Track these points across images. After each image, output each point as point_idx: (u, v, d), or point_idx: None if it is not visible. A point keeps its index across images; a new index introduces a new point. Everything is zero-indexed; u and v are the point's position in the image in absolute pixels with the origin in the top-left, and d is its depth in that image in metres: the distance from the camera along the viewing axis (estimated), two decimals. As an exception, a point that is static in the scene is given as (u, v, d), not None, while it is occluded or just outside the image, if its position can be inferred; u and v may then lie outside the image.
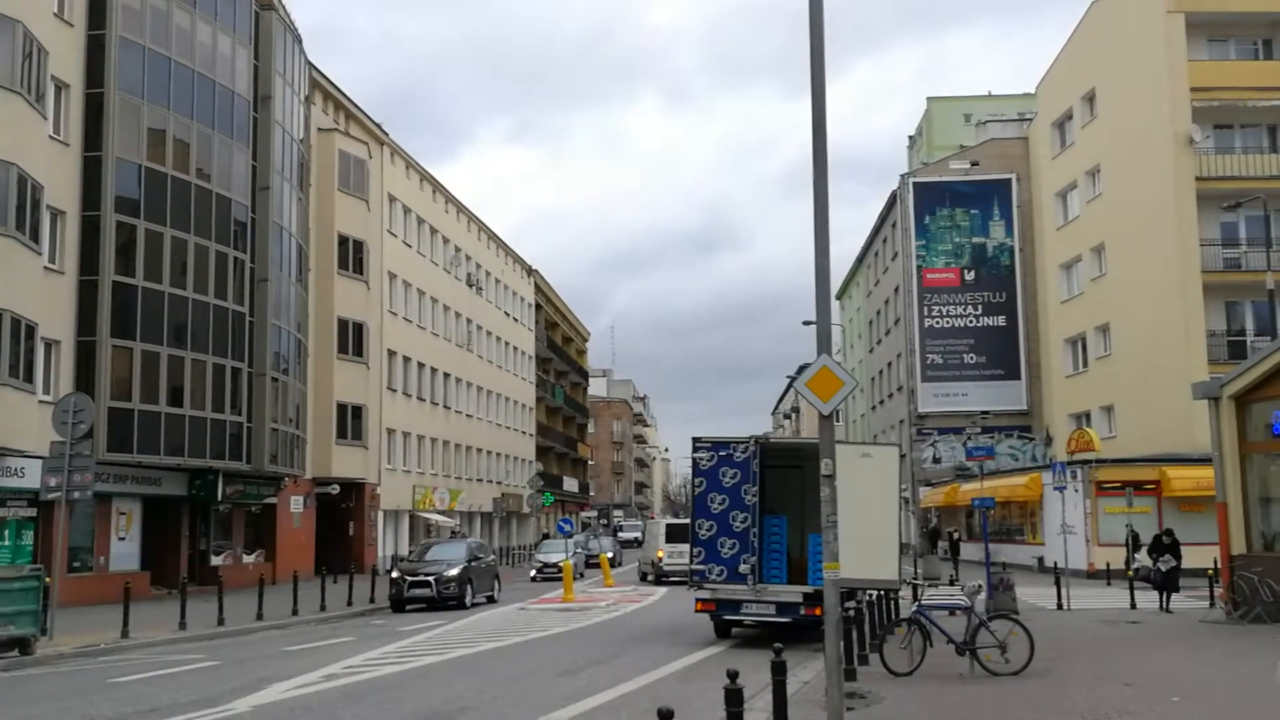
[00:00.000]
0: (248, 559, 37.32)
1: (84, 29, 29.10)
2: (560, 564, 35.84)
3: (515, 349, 71.03)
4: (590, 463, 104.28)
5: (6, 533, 26.09)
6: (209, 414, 31.75)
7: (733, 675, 7.74)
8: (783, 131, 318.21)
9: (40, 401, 25.75)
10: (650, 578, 38.18)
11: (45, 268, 26.70)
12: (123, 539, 31.07)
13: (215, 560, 35.26)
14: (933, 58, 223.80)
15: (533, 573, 41.60)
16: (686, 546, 31.84)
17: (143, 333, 29.58)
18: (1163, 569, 22.85)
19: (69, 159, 28.39)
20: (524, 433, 72.82)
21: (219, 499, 34.09)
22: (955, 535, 43.28)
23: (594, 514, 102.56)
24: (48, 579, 18.61)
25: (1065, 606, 23.35)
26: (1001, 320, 52.77)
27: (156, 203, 30.25)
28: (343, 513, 44.48)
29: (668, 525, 38.13)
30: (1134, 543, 32.97)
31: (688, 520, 36.55)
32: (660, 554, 36.72)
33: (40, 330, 25.88)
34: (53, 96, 27.51)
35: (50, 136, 27.14)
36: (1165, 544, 23.26)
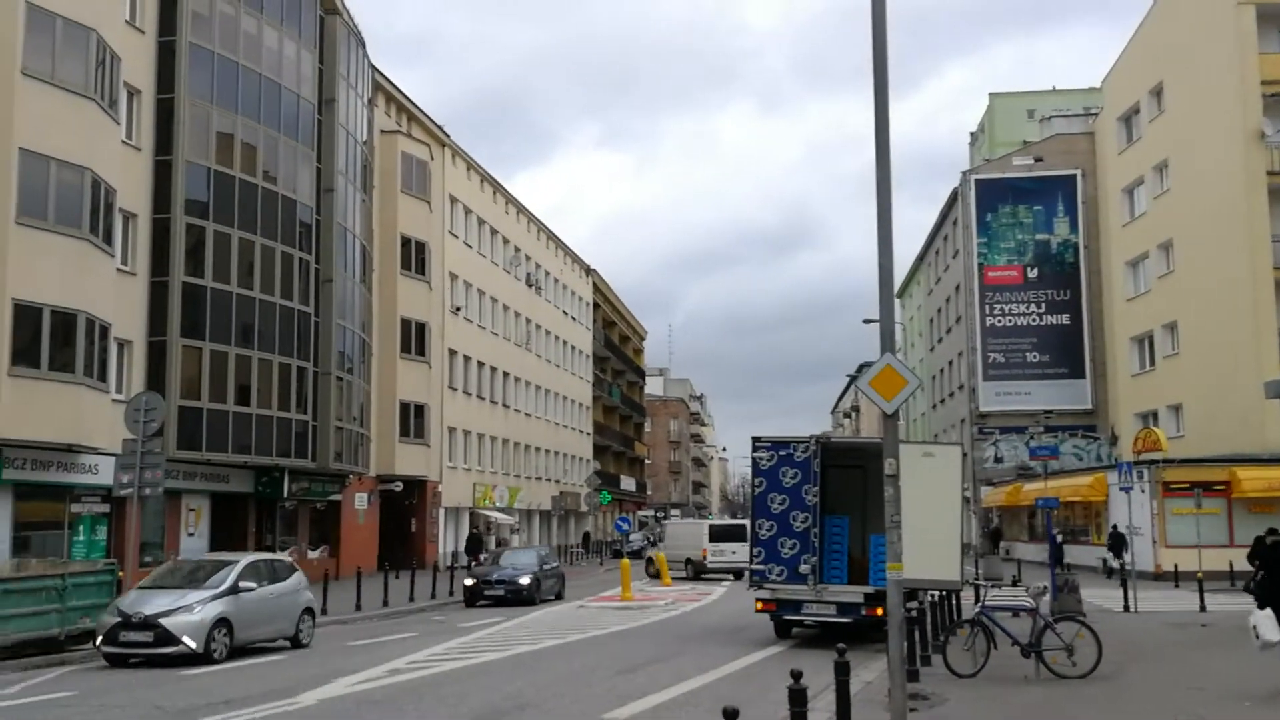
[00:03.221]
0: (312, 554, 37.87)
1: (154, 36, 29.70)
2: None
3: (573, 348, 71.34)
4: (647, 462, 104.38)
5: (81, 528, 26.77)
6: (275, 413, 32.30)
7: (796, 675, 7.77)
8: (870, 130, 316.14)
9: (113, 400, 26.34)
10: (688, 574, 39.37)
11: (118, 270, 27.30)
12: (192, 534, 31.73)
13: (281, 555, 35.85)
14: (1024, 57, 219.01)
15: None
16: (727, 545, 37.59)
17: (211, 333, 30.16)
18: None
19: (140, 163, 29.03)
20: (581, 431, 73.10)
21: (285, 496, 34.67)
22: (1058, 536, 39.49)
23: (651, 512, 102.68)
24: (120, 573, 19.10)
25: (1132, 609, 22.98)
26: (1065, 318, 51.93)
27: (225, 205, 30.82)
28: (405, 509, 44.99)
29: (710, 526, 41.62)
30: (1120, 544, 31.90)
31: (729, 521, 42.12)
32: (704, 552, 39.43)
33: (113, 331, 26.48)
34: (125, 102, 28.10)
35: (123, 142, 27.75)
36: (1268, 545, 17.28)
